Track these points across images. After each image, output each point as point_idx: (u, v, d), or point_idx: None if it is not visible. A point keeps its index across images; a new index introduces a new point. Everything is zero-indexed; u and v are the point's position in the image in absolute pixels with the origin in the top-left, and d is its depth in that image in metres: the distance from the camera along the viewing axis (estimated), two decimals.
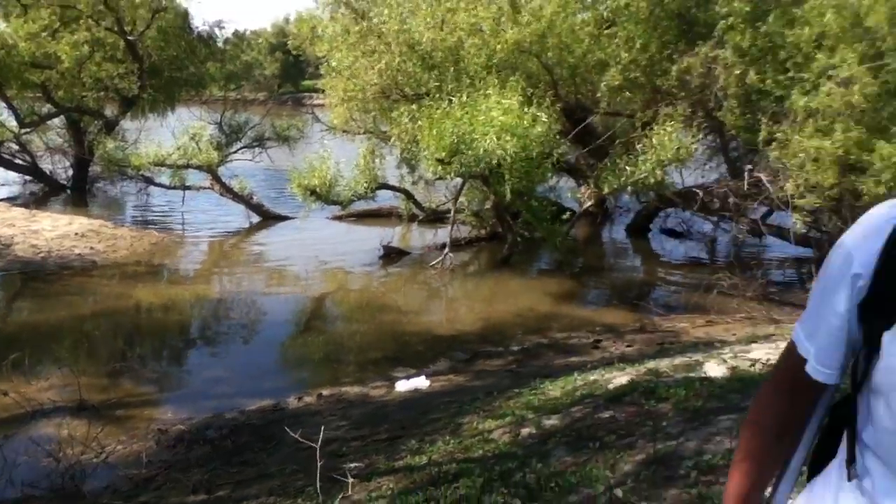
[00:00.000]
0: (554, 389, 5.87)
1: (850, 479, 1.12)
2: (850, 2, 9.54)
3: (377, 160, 14.02)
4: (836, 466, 1.18)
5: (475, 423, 5.13)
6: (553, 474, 3.70)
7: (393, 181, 14.68)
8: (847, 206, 9.78)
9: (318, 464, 3.35)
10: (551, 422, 4.84)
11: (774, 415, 1.22)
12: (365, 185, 13.40)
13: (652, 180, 10.70)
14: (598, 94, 12.09)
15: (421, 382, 7.43)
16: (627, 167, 10.91)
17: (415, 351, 9.05)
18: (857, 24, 9.49)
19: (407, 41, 12.03)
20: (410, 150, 12.89)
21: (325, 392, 7.37)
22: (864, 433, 1.12)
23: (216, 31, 21.16)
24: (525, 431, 4.67)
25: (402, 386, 7.37)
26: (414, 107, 11.96)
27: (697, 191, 12.25)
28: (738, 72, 10.39)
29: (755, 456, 1.23)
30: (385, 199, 15.85)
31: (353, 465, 4.51)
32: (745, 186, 11.37)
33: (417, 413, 5.98)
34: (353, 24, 12.81)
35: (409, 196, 15.00)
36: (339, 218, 16.31)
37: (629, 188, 11.49)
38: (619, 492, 3.35)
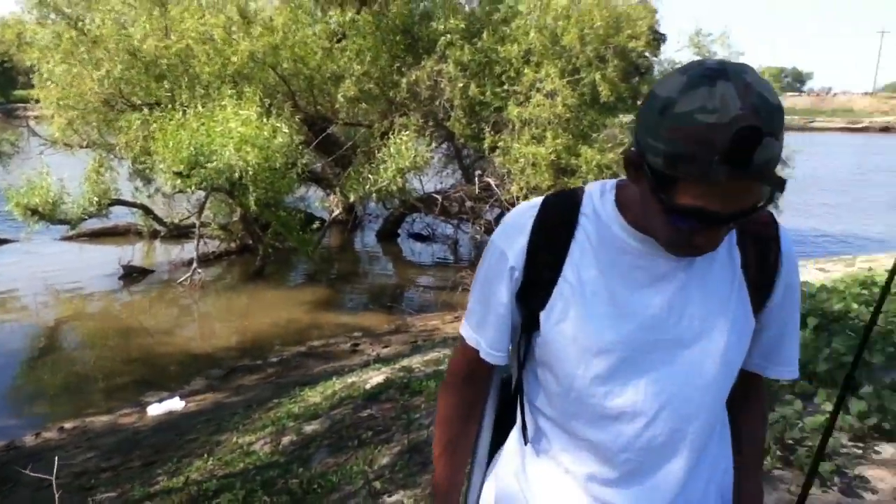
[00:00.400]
0: (314, 396, 6.04)
1: (525, 444, 1.30)
2: (548, 22, 10.74)
3: (107, 173, 13.09)
4: (517, 438, 1.34)
5: (235, 438, 5.14)
6: (315, 476, 3.87)
7: (127, 195, 13.77)
8: None
9: (56, 495, 3.22)
10: (312, 427, 5.00)
11: (459, 405, 1.35)
12: (95, 201, 12.41)
13: (394, 187, 11.04)
14: (336, 105, 12.29)
15: (175, 404, 7.21)
16: (370, 175, 11.18)
17: (167, 372, 8.70)
18: (555, 42, 10.73)
19: (127, 48, 11.38)
20: (143, 162, 12.17)
21: (68, 425, 6.87)
22: (536, 401, 1.28)
23: None
24: (286, 440, 4.79)
25: (155, 410, 7.09)
26: (140, 115, 11.34)
27: (437, 196, 13.05)
28: (460, 84, 11.07)
29: (452, 445, 1.35)
30: (121, 215, 14.86)
31: (103, 496, 4.35)
32: (477, 190, 12.34)
33: (173, 435, 5.82)
34: (65, 30, 11.82)
35: (147, 211, 14.18)
36: (69, 238, 15.00)
37: (374, 196, 11.81)
38: (377, 484, 3.61)
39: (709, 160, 0.92)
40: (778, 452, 3.11)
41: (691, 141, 0.92)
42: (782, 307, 1.24)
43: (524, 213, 1.22)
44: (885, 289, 1.70)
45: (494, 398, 1.39)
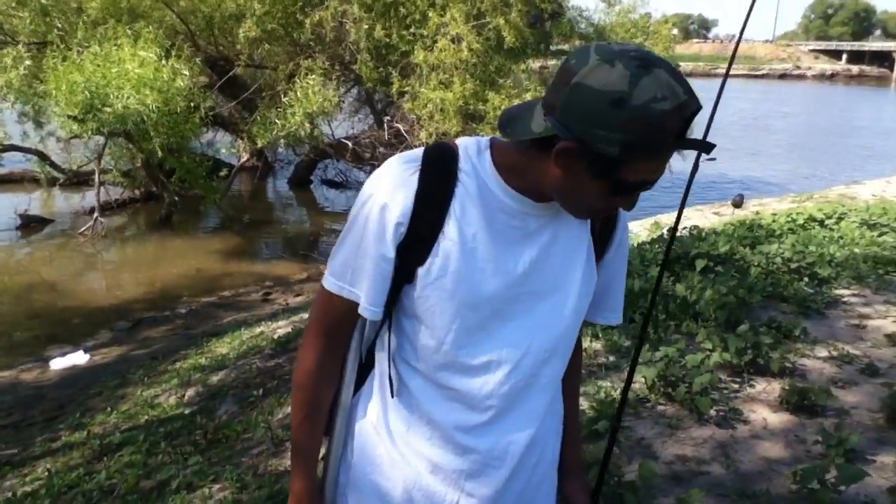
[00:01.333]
0: (221, 346, 6.02)
1: (393, 396, 1.30)
2: None
3: None
4: (377, 390, 1.34)
5: (139, 391, 5.10)
6: (219, 426, 3.90)
7: (16, 140, 13.05)
8: None
9: None
10: (218, 377, 5.01)
11: (324, 362, 1.33)
12: None
13: (302, 133, 10.75)
14: (239, 46, 11.79)
15: (79, 358, 7.05)
16: (277, 120, 10.83)
17: (71, 325, 8.47)
18: None
19: None
20: (30, 102, 11.44)
21: None
22: (401, 353, 1.29)
23: None
24: (192, 391, 4.78)
25: (58, 364, 6.93)
26: (19, 52, 10.65)
27: (347, 142, 12.86)
28: (366, 26, 10.74)
29: (316, 406, 1.34)
30: (15, 162, 14.08)
31: (2, 453, 4.27)
32: (387, 136, 12.24)
33: (76, 390, 5.72)
34: None
35: (43, 157, 13.45)
36: None
37: (282, 141, 11.52)
38: (280, 432, 3.68)
39: (665, 141, 1.03)
40: (661, 389, 3.33)
41: (651, 128, 1.01)
42: (613, 261, 1.37)
43: (408, 167, 1.20)
44: (672, 234, 1.89)
45: (356, 352, 1.38)
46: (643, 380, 3.41)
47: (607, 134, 1.02)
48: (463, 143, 1.24)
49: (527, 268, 1.22)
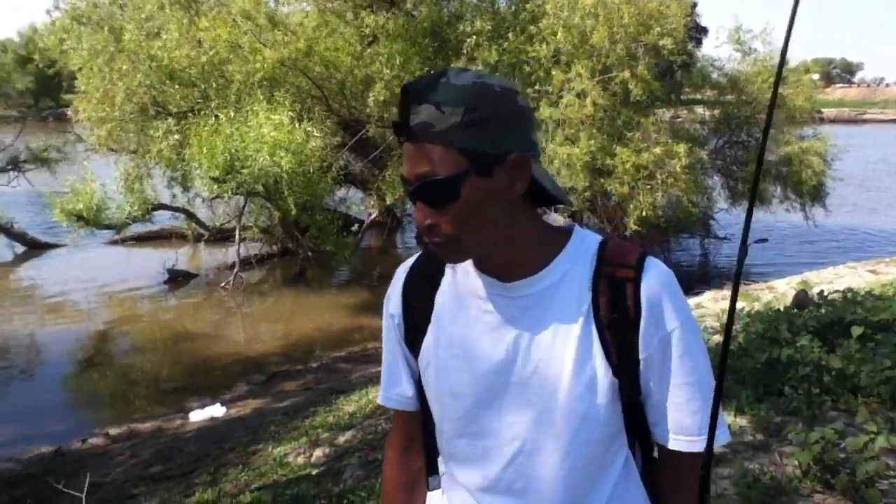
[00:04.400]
0: (348, 405, 6.07)
1: (429, 489, 1.31)
2: (576, 21, 10.58)
3: (145, 180, 13.35)
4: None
5: (270, 447, 5.20)
6: (344, 492, 3.88)
7: (165, 200, 13.99)
8: (601, 206, 10.93)
9: None
10: (345, 437, 5.03)
11: (393, 473, 1.36)
12: (138, 206, 12.68)
13: None
14: (369, 109, 12.23)
15: (216, 410, 7.31)
16: None
17: (211, 377, 8.84)
18: (584, 41, 10.55)
19: (155, 58, 11.60)
20: (178, 168, 12.38)
21: (113, 431, 7.01)
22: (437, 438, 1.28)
23: None
24: (319, 451, 4.82)
25: (197, 416, 7.21)
26: (167, 123, 11.53)
27: None
28: None
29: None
30: (165, 219, 15.16)
31: None
32: None
33: (212, 443, 5.91)
34: (100, 40, 12.04)
35: (190, 215, 14.45)
36: (115, 242, 15.35)
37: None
38: None
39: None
40: (817, 474, 3.01)
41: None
42: (661, 364, 1.11)
43: (403, 265, 1.29)
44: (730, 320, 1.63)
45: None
46: (797, 463, 3.10)
47: (533, 137, 1.12)
48: None
49: (506, 356, 1.13)
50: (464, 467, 1.22)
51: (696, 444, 1.12)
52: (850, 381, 3.79)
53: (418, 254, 1.29)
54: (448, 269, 1.22)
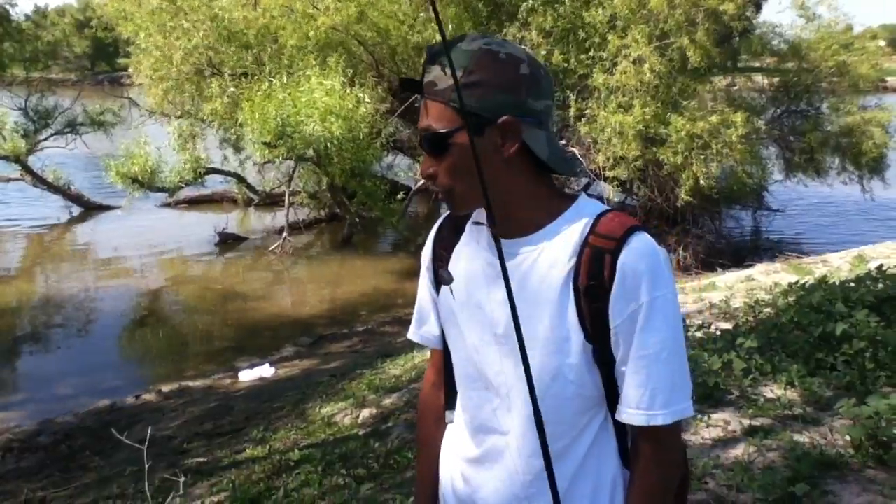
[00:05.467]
0: (394, 368, 6.14)
1: (447, 422, 1.40)
2: None
3: (198, 139, 13.56)
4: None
5: (318, 407, 5.30)
6: (391, 452, 3.94)
7: (217, 163, 14.22)
8: (652, 176, 10.73)
9: (146, 465, 3.40)
10: (390, 400, 5.10)
11: (425, 404, 1.49)
12: (191, 169, 12.91)
13: None
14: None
15: (265, 371, 7.49)
16: None
17: (260, 338, 9.04)
18: (642, 6, 10.28)
19: (214, 18, 11.68)
20: (231, 131, 12.53)
21: (166, 388, 7.23)
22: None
23: (7, 7, 19.60)
24: (366, 412, 4.90)
25: (247, 376, 7.39)
26: (224, 81, 11.65)
27: None
28: (543, 52, 10.74)
29: (421, 442, 1.51)
30: (217, 183, 15.41)
31: (193, 461, 4.57)
32: None
33: (261, 402, 6.06)
34: (159, 2, 12.18)
35: (241, 180, 14.66)
36: (168, 205, 15.70)
37: None
38: None
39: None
40: (870, 450, 2.95)
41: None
42: (627, 335, 1.12)
43: (438, 221, 1.41)
44: None
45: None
46: (848, 438, 3.04)
47: (538, 102, 1.17)
48: None
49: (497, 308, 1.20)
50: (463, 408, 1.34)
51: (636, 417, 1.14)
52: None
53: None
54: (469, 224, 1.30)
